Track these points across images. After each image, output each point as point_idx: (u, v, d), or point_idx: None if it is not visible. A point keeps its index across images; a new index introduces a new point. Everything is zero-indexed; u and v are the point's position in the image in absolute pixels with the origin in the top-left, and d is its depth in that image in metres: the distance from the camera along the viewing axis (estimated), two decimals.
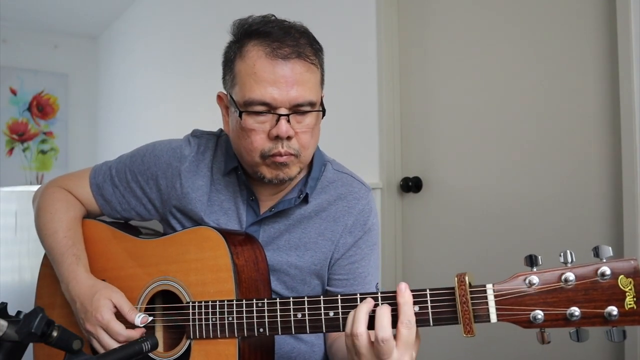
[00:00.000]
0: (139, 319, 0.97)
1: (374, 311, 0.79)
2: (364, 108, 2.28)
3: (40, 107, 4.85)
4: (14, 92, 4.73)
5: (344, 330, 0.85)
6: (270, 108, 0.95)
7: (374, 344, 0.77)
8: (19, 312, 0.72)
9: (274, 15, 1.01)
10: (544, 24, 1.74)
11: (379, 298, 0.82)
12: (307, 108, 0.97)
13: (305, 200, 1.07)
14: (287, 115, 0.95)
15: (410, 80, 2.20)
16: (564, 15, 1.68)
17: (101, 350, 0.98)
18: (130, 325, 0.99)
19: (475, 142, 1.95)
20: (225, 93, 1.05)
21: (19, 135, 4.76)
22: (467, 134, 1.98)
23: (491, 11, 1.90)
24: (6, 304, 0.73)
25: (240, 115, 0.97)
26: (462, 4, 2.00)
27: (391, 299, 0.81)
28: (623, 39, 1.48)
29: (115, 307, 0.99)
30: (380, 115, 2.20)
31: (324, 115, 1.02)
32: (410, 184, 2.13)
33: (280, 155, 0.96)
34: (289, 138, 0.96)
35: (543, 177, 1.73)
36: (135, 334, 0.98)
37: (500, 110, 1.87)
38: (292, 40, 0.95)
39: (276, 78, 0.94)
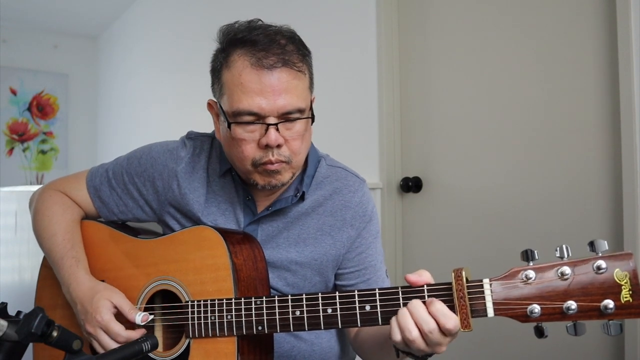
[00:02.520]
0: (140, 317, 0.97)
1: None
2: (364, 108, 2.28)
3: (40, 107, 4.85)
4: (14, 92, 4.73)
5: (341, 327, 0.86)
6: (259, 117, 0.95)
7: (429, 336, 0.78)
8: (19, 312, 0.72)
9: (261, 20, 1.00)
10: (544, 24, 1.74)
11: (377, 295, 0.83)
12: (296, 115, 0.97)
13: (302, 197, 1.08)
14: (276, 124, 0.95)
15: (410, 80, 2.20)
16: (564, 16, 1.68)
17: (102, 352, 0.98)
18: (130, 326, 0.99)
19: (475, 142, 1.95)
20: (215, 100, 1.05)
21: (19, 135, 4.76)
22: (467, 134, 1.98)
23: (491, 11, 1.90)
24: (6, 304, 0.73)
25: (229, 126, 0.97)
26: (462, 4, 2.00)
27: (390, 295, 0.82)
28: (623, 39, 1.48)
29: (116, 307, 1.00)
30: (380, 115, 2.20)
31: (313, 121, 1.02)
32: (410, 184, 2.14)
33: (272, 163, 0.97)
34: (279, 146, 0.96)
35: (543, 176, 1.73)
36: (135, 334, 0.98)
37: (500, 110, 1.87)
38: (277, 48, 0.95)
39: (263, 88, 0.93)
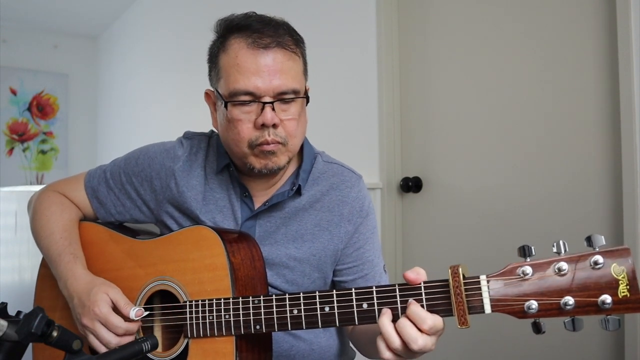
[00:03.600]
0: (134, 312, 0.97)
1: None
2: (364, 108, 2.28)
3: (40, 107, 4.85)
4: (14, 92, 4.73)
5: (339, 325, 0.86)
6: (255, 97, 0.97)
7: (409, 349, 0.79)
8: (19, 312, 0.72)
9: (255, 12, 1.03)
10: (544, 24, 1.74)
11: (374, 293, 0.83)
12: (291, 96, 0.99)
13: (299, 192, 1.08)
14: (272, 103, 0.97)
15: (410, 80, 2.20)
16: (564, 16, 1.68)
17: (98, 345, 0.98)
18: (128, 320, 0.99)
19: (475, 142, 1.95)
20: (212, 89, 1.07)
21: (19, 135, 4.76)
22: (467, 134, 1.98)
23: (491, 11, 1.90)
24: (6, 304, 0.73)
25: (226, 107, 0.98)
26: (462, 4, 2.00)
27: (387, 293, 0.82)
28: (623, 39, 1.48)
29: (112, 301, 0.99)
30: (380, 115, 2.20)
31: (307, 102, 1.04)
32: (410, 184, 2.14)
33: (268, 143, 0.98)
34: (275, 126, 0.98)
35: (543, 176, 1.73)
36: (133, 326, 0.98)
37: (499, 110, 1.88)
38: (271, 30, 0.98)
39: (258, 67, 0.96)
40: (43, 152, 4.87)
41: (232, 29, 1.00)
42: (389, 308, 0.82)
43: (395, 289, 0.82)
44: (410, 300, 0.80)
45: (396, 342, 0.79)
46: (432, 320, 0.78)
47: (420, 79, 2.16)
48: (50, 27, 4.79)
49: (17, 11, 4.32)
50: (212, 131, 1.18)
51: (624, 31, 1.48)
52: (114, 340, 0.96)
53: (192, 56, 3.46)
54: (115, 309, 0.99)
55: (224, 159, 1.09)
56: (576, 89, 1.65)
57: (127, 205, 1.16)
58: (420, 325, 0.78)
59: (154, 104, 4.08)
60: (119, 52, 4.70)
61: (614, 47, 1.53)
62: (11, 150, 4.73)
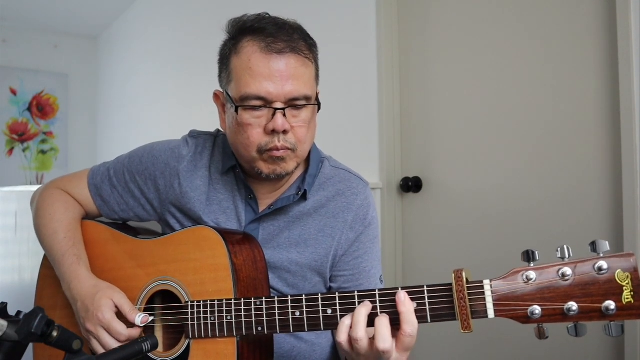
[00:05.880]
0: (139, 318, 0.97)
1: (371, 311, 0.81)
2: (364, 108, 2.28)
3: (40, 107, 4.85)
4: (14, 92, 4.73)
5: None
6: (266, 102, 0.96)
7: (373, 347, 0.78)
8: (19, 312, 0.72)
9: (268, 14, 1.02)
10: (544, 24, 1.74)
11: (377, 296, 0.83)
12: (303, 102, 0.98)
13: (304, 197, 1.08)
14: (283, 109, 0.96)
15: (410, 80, 2.20)
16: (564, 16, 1.68)
17: (100, 351, 0.98)
18: (130, 324, 0.99)
19: (475, 142, 1.95)
20: (222, 91, 1.06)
21: (19, 135, 4.76)
22: (467, 134, 1.98)
23: (491, 11, 1.90)
24: (6, 304, 0.73)
25: (236, 111, 0.97)
26: (462, 4, 2.00)
27: (390, 296, 0.82)
28: (623, 39, 1.48)
29: (117, 307, 1.00)
30: (380, 115, 2.20)
31: (319, 109, 1.03)
32: (410, 184, 2.14)
33: (277, 149, 0.97)
34: (285, 132, 0.97)
35: (543, 177, 1.73)
36: (136, 333, 0.98)
37: (500, 110, 1.87)
38: (286, 35, 0.97)
39: (271, 72, 0.95)
40: (43, 152, 4.86)
41: (245, 31, 0.99)
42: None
43: (398, 292, 0.82)
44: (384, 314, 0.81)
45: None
46: (386, 344, 0.78)
47: (420, 79, 2.16)
48: (50, 27, 4.78)
49: (17, 11, 4.32)
50: (218, 130, 1.17)
51: (624, 31, 1.48)
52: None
53: (192, 56, 3.46)
54: (119, 315, 0.99)
55: (230, 160, 1.08)
56: (576, 89, 1.65)
57: (130, 203, 1.16)
58: (377, 342, 0.78)
59: (154, 104, 4.08)
60: (119, 52, 4.69)
61: (614, 47, 1.53)
62: (11, 150, 4.72)
